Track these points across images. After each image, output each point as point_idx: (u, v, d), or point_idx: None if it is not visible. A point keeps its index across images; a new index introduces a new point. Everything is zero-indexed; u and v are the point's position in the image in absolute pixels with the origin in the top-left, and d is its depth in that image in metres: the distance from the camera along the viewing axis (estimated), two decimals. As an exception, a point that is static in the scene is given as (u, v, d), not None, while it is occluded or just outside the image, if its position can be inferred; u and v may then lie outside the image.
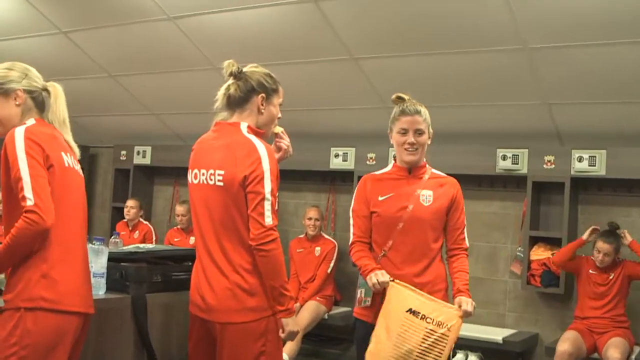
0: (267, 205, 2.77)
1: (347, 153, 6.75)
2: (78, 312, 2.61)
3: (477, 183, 6.31)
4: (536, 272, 5.87)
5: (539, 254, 5.90)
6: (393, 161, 3.46)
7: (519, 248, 6.11)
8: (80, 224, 2.74)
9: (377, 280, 3.16)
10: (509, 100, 5.61)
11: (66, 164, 2.69)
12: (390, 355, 3.08)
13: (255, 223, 2.77)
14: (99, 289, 2.98)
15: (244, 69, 3.01)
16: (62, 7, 6.09)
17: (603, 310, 5.34)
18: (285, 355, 5.88)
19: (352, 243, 3.40)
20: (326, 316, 6.48)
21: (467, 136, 6.11)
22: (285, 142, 3.17)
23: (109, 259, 3.10)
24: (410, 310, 3.11)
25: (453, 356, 5.94)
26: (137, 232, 7.50)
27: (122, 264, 3.18)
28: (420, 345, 3.07)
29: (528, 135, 5.88)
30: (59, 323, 2.54)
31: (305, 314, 6.27)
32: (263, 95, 2.97)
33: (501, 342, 5.69)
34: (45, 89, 2.81)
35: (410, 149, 3.32)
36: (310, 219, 6.65)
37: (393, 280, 3.17)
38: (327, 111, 6.54)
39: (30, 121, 2.71)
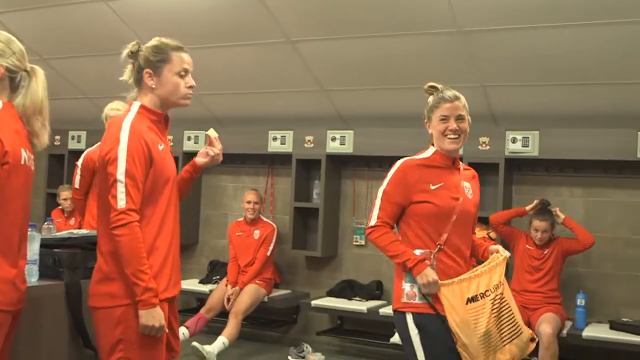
0: (120, 188, 2.66)
1: (285, 136, 6.75)
2: (10, 310, 2.56)
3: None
4: (472, 251, 5.96)
5: (475, 233, 5.99)
6: (432, 147, 3.32)
7: (456, 228, 6.20)
8: (21, 223, 2.63)
9: (429, 280, 3.08)
10: (445, 83, 5.61)
11: (22, 162, 2.58)
12: (479, 349, 3.03)
13: (110, 206, 2.69)
14: (32, 276, 2.92)
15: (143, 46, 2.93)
16: (-10, -12, 5.93)
17: (538, 284, 5.48)
18: (224, 339, 5.88)
19: (375, 226, 3.22)
20: (266, 299, 6.48)
21: (405, 119, 6.15)
22: (216, 149, 3.08)
23: (42, 245, 3.04)
24: (468, 300, 3.06)
25: (392, 336, 6.04)
26: (72, 218, 7.37)
27: (56, 250, 3.12)
28: (491, 319, 3.06)
29: (463, 117, 5.96)
30: None
31: (245, 297, 6.27)
32: (148, 71, 2.87)
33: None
34: (26, 70, 2.68)
35: (451, 136, 3.22)
36: (249, 202, 6.63)
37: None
38: (264, 94, 6.51)
39: None
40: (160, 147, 2.86)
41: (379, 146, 6.35)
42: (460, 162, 3.38)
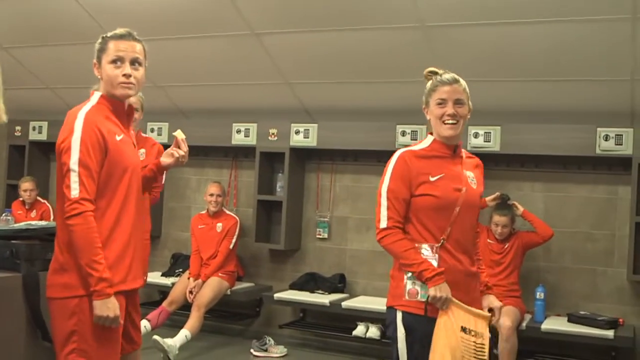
0: (73, 177, 2.65)
1: (249, 129, 6.74)
2: None
3: (377, 159, 6.40)
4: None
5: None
6: (430, 136, 3.14)
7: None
8: None
9: (443, 296, 2.90)
10: (408, 78, 5.66)
11: None
12: None
13: (64, 196, 2.68)
14: (-13, 268, 2.89)
15: None
16: (-51, -25, 5.82)
17: (498, 278, 5.53)
18: (186, 332, 5.86)
19: (388, 228, 3.01)
20: (229, 292, 6.47)
21: (368, 113, 6.19)
22: (181, 152, 3.06)
23: (-1, 237, 3.01)
24: (462, 329, 2.92)
25: (354, 328, 6.09)
26: (34, 211, 7.29)
27: (13, 241, 3.08)
28: None
29: (426, 112, 6.00)
30: None
31: (208, 290, 6.25)
32: (95, 62, 2.90)
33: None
34: None
35: (449, 121, 3.02)
36: (212, 195, 6.60)
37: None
38: (228, 86, 6.49)
39: None
40: (118, 137, 2.83)
41: (343, 140, 6.37)
42: (463, 150, 3.18)
